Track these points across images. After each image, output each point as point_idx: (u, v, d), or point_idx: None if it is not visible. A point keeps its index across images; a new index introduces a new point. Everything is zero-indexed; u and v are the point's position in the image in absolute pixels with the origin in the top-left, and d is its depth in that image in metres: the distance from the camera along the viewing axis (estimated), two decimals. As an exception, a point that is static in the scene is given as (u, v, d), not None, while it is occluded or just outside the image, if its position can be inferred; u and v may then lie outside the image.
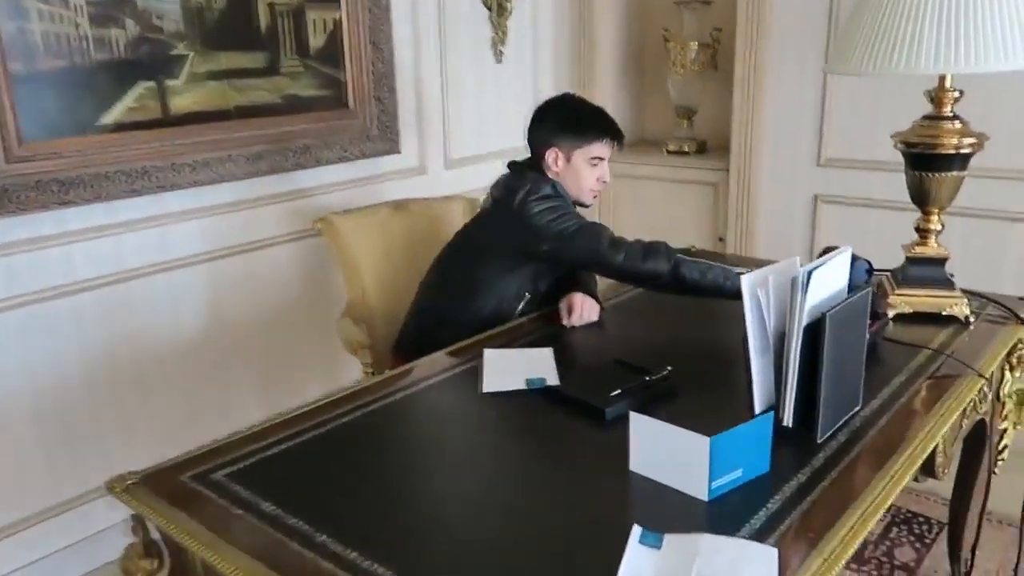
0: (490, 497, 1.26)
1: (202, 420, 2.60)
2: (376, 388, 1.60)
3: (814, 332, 1.31)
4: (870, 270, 2.11)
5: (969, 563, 2.12)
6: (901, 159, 2.95)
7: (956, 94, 1.79)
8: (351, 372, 2.68)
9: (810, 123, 3.12)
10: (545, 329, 1.91)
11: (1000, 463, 1.97)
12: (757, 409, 1.40)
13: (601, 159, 2.02)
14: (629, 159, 3.70)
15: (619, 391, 1.50)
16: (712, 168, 3.45)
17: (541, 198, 1.92)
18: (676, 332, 1.91)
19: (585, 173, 2.02)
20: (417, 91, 3.08)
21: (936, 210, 1.88)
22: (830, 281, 1.39)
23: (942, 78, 1.79)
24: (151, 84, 2.29)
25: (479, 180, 3.32)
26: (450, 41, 3.17)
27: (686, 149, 3.59)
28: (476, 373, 1.64)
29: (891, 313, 1.88)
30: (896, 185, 3.08)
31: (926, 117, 1.83)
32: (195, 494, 1.24)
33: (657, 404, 1.50)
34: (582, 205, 2.06)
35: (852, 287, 1.48)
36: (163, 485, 1.27)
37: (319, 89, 2.70)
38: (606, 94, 3.74)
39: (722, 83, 3.48)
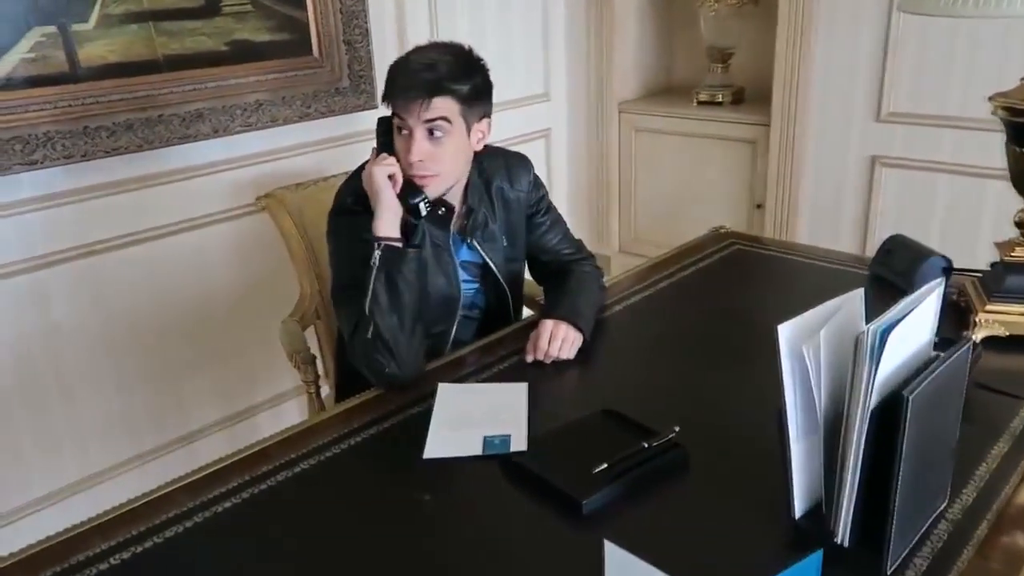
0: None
1: (149, 421, 2.24)
2: (284, 448, 1.20)
3: (887, 415, 0.87)
4: (948, 269, 1.66)
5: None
6: (978, 114, 2.45)
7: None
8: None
9: (869, 70, 2.59)
10: (525, 339, 1.48)
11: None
12: (797, 512, 0.97)
13: (403, 121, 1.37)
14: (651, 109, 3.21)
15: (604, 465, 1.08)
16: (750, 122, 2.95)
17: (334, 213, 1.48)
18: (687, 367, 1.45)
19: (395, 144, 1.41)
20: (399, 33, 2.60)
21: (1046, 200, 1.40)
22: (911, 336, 0.94)
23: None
24: (51, 29, 1.86)
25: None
26: (441, -29, 2.68)
27: (720, 99, 3.09)
28: (426, 417, 1.24)
29: (979, 336, 1.42)
30: (972, 146, 2.59)
31: (1042, 73, 1.33)
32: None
33: (656, 488, 1.09)
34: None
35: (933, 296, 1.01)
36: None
37: (274, 32, 2.25)
38: (629, 33, 3.23)
39: (764, 20, 2.94)
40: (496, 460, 1.15)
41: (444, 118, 1.37)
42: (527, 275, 1.72)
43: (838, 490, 0.91)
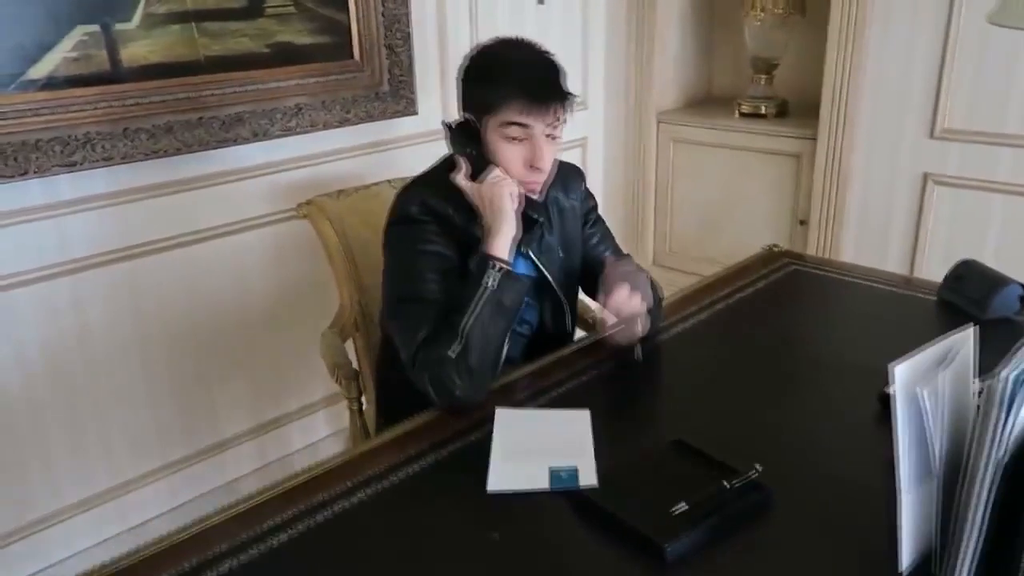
0: None
1: (180, 431, 2.19)
2: (337, 477, 1.13)
3: (1017, 469, 0.80)
4: (1022, 297, 1.58)
5: None
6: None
7: None
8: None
9: (924, 84, 2.51)
10: (585, 366, 1.42)
11: None
12: (904, 566, 0.90)
13: (524, 128, 1.31)
14: (693, 121, 3.14)
15: (684, 506, 1.01)
16: (795, 136, 2.87)
17: (396, 223, 1.39)
18: (755, 396, 1.36)
19: (502, 151, 1.33)
20: (440, 38, 2.54)
21: None
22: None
23: None
24: (94, 28, 1.81)
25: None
26: (483, -23, 2.62)
27: (764, 111, 3.01)
28: (485, 445, 1.17)
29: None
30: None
31: None
32: None
33: (741, 533, 1.02)
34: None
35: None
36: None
37: (315, 35, 2.20)
38: (669, 42, 3.16)
39: (811, 31, 2.87)
40: (565, 495, 1.08)
41: (564, 119, 1.34)
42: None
43: (955, 547, 0.84)
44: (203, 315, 2.17)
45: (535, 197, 1.39)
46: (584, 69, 3.10)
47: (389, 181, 2.00)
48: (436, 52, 2.53)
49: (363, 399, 1.73)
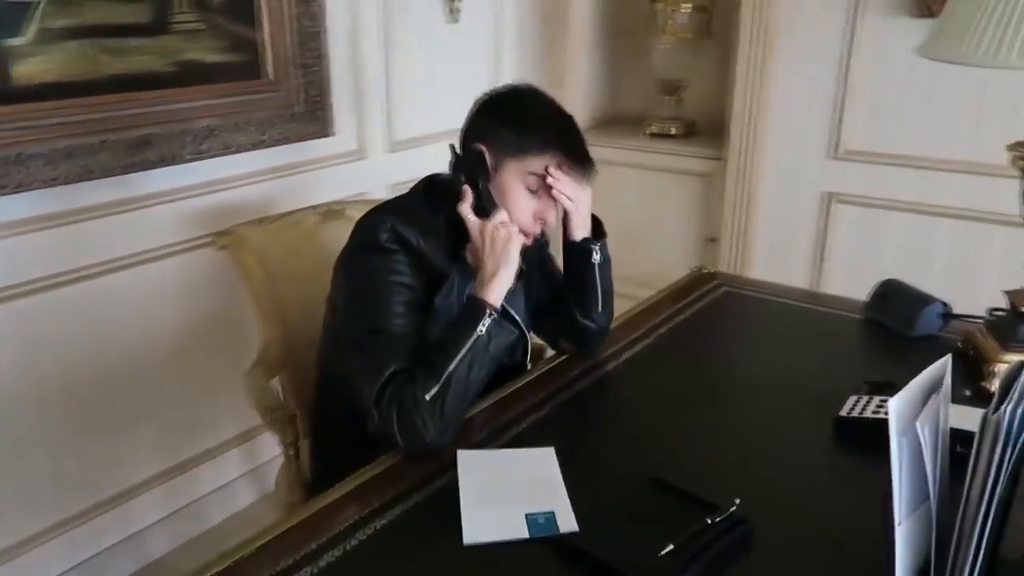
0: None
1: (80, 481, 2.00)
2: (296, 538, 1.04)
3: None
4: (946, 315, 1.66)
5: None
6: (933, 154, 2.52)
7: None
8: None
9: (826, 107, 2.63)
10: (541, 399, 1.38)
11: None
12: (899, 590, 0.91)
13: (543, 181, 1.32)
14: (602, 140, 3.17)
15: (670, 547, 0.99)
16: (704, 156, 2.94)
17: (363, 249, 1.29)
18: (716, 424, 1.37)
19: (515, 197, 1.30)
20: (354, 58, 2.46)
21: (1065, 250, 1.40)
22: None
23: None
24: (-19, 44, 1.64)
25: (430, 166, 2.74)
26: (394, -7, 2.55)
27: (672, 131, 3.07)
28: (452, 491, 1.11)
29: (995, 386, 1.41)
30: (926, 185, 2.65)
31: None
32: None
33: (730, 569, 1.00)
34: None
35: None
36: None
37: (226, 53, 2.07)
38: (578, 61, 3.19)
39: (717, 54, 2.96)
40: (546, 542, 1.04)
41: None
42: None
43: (954, 566, 0.85)
44: (106, 354, 2.00)
45: (526, 242, 1.36)
46: (495, 89, 3.07)
47: (313, 207, 1.91)
48: (350, 71, 2.45)
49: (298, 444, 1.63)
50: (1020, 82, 2.26)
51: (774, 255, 2.85)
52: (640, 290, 1.93)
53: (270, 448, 2.44)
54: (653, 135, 3.10)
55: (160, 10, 1.91)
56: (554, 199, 1.34)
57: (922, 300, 1.66)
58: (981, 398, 1.36)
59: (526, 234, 1.33)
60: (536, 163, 1.30)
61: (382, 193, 2.61)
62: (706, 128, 3.10)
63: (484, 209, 1.30)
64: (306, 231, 1.83)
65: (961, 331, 1.59)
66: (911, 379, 1.37)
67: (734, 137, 2.78)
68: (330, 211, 1.89)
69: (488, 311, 1.22)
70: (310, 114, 2.28)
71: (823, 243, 2.74)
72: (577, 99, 3.24)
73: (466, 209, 1.29)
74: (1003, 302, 1.53)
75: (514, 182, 1.31)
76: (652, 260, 2.91)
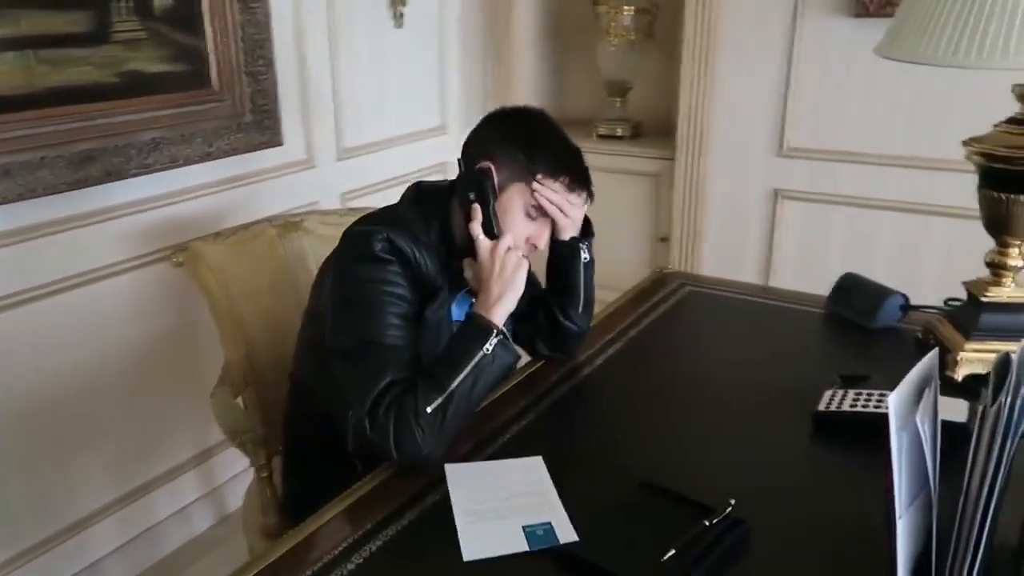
0: None
1: (31, 513, 1.90)
2: (289, 566, 1.01)
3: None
4: (905, 307, 1.70)
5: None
6: (874, 149, 2.60)
7: (1061, 92, 1.35)
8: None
9: (771, 106, 2.69)
10: (524, 406, 1.36)
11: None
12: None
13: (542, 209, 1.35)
14: (553, 144, 3.16)
15: (672, 552, 0.99)
16: (653, 156, 2.98)
17: (358, 259, 1.25)
18: (700, 424, 1.38)
19: (514, 218, 1.30)
20: (300, 65, 2.41)
21: (1016, 241, 1.46)
22: None
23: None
24: (-91, 57, 1.55)
25: (380, 172, 2.72)
26: (339, -2, 2.51)
27: (620, 133, 3.10)
28: (445, 507, 1.09)
29: (960, 374, 1.46)
30: (868, 179, 2.74)
31: (1013, 120, 1.39)
32: None
33: (732, 570, 1.00)
34: None
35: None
36: None
37: (170, 63, 2.00)
38: (524, 64, 3.18)
39: (662, 56, 3.00)
40: (547, 553, 1.02)
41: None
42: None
43: (957, 563, 0.87)
44: (56, 378, 1.91)
45: None
46: (442, 94, 3.05)
47: (268, 219, 1.86)
48: (297, 79, 2.40)
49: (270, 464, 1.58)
50: (954, 79, 2.35)
51: (724, 252, 2.90)
52: (596, 291, 1.94)
53: (227, 469, 2.37)
54: (601, 136, 3.12)
55: (100, 19, 1.84)
56: (549, 225, 1.36)
57: (882, 293, 1.70)
58: (947, 387, 1.40)
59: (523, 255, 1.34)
60: (544, 187, 1.31)
61: (333, 203, 2.56)
62: (653, 129, 3.14)
63: (491, 229, 1.29)
64: (266, 245, 1.78)
65: (920, 322, 1.64)
66: (880, 371, 1.42)
67: (682, 137, 2.82)
68: (288, 223, 1.84)
69: (495, 331, 1.22)
70: (258, 123, 2.22)
71: (771, 239, 2.80)
72: (524, 102, 3.22)
73: (477, 229, 1.28)
74: (952, 291, 1.59)
75: (516, 204, 1.31)
76: (605, 261, 2.88)
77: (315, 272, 1.63)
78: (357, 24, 2.58)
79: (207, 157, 2.09)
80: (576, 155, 1.36)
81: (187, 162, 2.04)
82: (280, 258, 1.78)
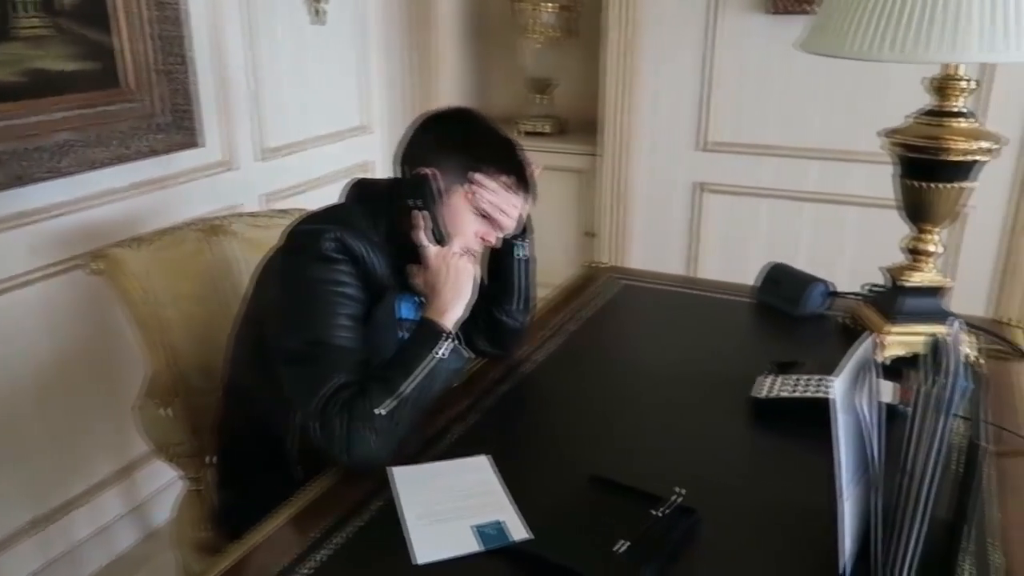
0: None
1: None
2: (237, 578, 0.97)
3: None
4: (829, 293, 1.76)
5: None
6: (793, 143, 2.69)
7: (971, 84, 1.42)
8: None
9: (692, 102, 2.74)
10: (467, 406, 1.35)
11: None
12: (847, 569, 0.95)
13: (500, 210, 1.35)
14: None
15: (626, 543, 1.00)
16: (578, 152, 3.00)
17: (307, 259, 1.21)
18: (644, 416, 1.40)
19: (463, 219, 1.31)
20: (218, 62, 2.33)
21: (935, 228, 1.52)
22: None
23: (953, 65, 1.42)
24: None
25: (303, 173, 2.66)
26: (256, -7, 2.44)
27: (545, 129, 3.11)
28: (392, 511, 1.07)
29: (885, 357, 1.51)
30: (788, 172, 2.82)
31: (930, 112, 1.45)
32: None
33: (688, 558, 1.02)
34: None
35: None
36: None
37: (79, 60, 1.91)
38: (446, 61, 3.16)
39: (585, 53, 3.02)
40: (500, 552, 1.01)
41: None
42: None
43: (898, 541, 0.90)
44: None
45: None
46: (366, 92, 3.01)
47: (189, 224, 1.79)
48: (216, 78, 2.32)
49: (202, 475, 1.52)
50: (864, 73, 2.45)
51: (650, 245, 2.95)
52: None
53: (150, 483, 2.28)
54: (527, 133, 3.13)
55: (0, 14, 1.73)
56: (488, 222, 1.34)
57: (807, 281, 1.76)
58: (874, 369, 1.45)
59: (473, 251, 1.34)
60: (486, 188, 1.31)
61: (255, 204, 2.49)
62: (578, 125, 3.16)
63: (438, 235, 1.28)
64: (190, 250, 1.71)
65: (844, 308, 1.70)
66: (810, 356, 1.47)
67: (607, 133, 2.85)
68: (213, 227, 1.77)
69: (446, 336, 1.21)
70: (176, 124, 2.14)
71: (696, 232, 2.86)
72: (447, 100, 3.22)
73: (424, 237, 1.27)
74: (867, 277, 1.65)
75: (463, 205, 1.30)
76: (536, 256, 2.93)
77: (244, 276, 1.58)
78: (276, 21, 2.52)
79: (122, 159, 2.00)
80: (515, 153, 1.35)
81: (101, 165, 1.95)
82: (206, 263, 1.72)
